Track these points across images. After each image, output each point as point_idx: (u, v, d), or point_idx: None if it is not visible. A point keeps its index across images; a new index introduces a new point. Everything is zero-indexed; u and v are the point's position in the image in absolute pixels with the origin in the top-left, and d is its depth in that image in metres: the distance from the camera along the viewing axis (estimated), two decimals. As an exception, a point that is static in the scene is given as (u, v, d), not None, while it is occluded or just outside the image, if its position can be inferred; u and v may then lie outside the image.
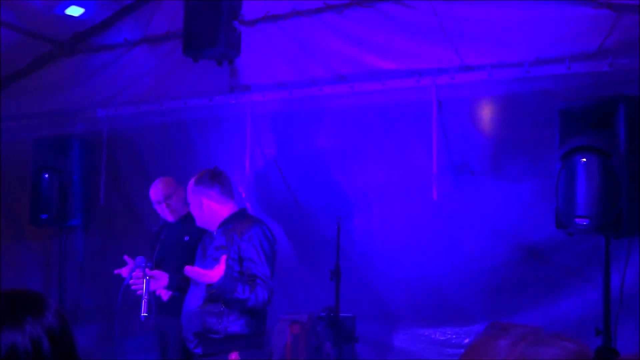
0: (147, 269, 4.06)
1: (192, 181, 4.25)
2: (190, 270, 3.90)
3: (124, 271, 4.18)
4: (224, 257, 3.89)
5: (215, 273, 3.83)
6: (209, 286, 3.91)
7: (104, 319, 5.88)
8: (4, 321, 1.55)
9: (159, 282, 4.17)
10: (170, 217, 4.93)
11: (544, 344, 1.12)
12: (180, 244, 4.66)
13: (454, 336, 4.83)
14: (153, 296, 4.07)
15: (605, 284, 4.00)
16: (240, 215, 4.22)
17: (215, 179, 4.22)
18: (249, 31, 5.38)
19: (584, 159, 3.89)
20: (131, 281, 4.07)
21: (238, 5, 5.31)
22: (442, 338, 4.86)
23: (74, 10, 6.01)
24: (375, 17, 5.15)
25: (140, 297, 4.02)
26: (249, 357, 4.07)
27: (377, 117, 5.20)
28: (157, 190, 4.96)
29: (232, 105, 5.74)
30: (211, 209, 4.18)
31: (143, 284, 4.03)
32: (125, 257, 4.19)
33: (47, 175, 5.96)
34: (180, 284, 4.26)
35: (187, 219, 4.73)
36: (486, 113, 4.90)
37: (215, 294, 3.95)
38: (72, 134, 6.23)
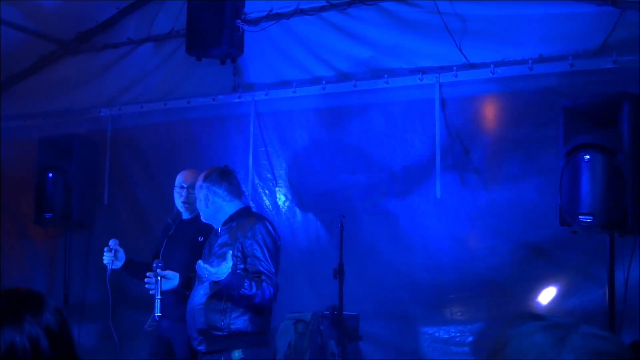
0: (159, 269, 4.06)
1: (201, 176, 4.27)
2: (201, 267, 3.85)
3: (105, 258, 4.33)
4: (229, 254, 3.88)
5: (223, 269, 3.82)
6: (216, 283, 3.90)
7: (107, 318, 5.88)
8: (3, 320, 1.56)
9: (171, 282, 4.17)
10: (183, 206, 4.71)
11: (598, 338, 1.05)
12: (194, 243, 4.53)
13: (458, 334, 4.82)
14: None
15: (609, 282, 3.98)
16: (243, 213, 4.23)
17: (225, 177, 4.23)
18: (252, 30, 5.38)
19: (588, 157, 3.87)
20: (145, 279, 4.09)
21: (241, 4, 5.31)
22: (446, 336, 4.85)
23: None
24: (378, 15, 5.15)
25: (153, 297, 4.02)
26: (253, 355, 4.05)
27: (381, 115, 5.19)
28: (187, 175, 4.72)
29: (235, 104, 5.74)
30: (216, 206, 4.20)
31: (156, 284, 4.03)
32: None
33: (51, 175, 5.94)
34: (191, 283, 4.24)
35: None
36: (490, 111, 4.89)
37: (222, 291, 3.93)
38: (76, 134, 6.21)
